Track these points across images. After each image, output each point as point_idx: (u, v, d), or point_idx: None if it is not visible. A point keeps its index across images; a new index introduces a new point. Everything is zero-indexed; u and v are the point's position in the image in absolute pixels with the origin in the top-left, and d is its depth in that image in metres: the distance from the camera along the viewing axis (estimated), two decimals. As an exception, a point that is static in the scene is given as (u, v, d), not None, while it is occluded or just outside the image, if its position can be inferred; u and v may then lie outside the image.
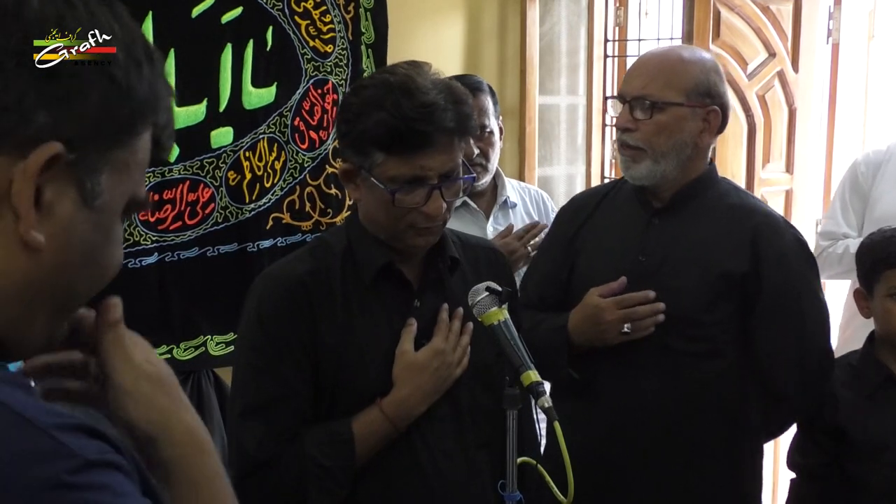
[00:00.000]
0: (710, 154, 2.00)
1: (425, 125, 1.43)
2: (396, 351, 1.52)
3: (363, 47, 2.94)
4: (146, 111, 0.77)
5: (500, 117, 2.58)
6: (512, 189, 2.62)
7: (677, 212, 1.95)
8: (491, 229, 2.53)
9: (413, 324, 1.54)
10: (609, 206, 2.05)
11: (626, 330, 1.88)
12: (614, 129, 1.97)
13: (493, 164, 2.51)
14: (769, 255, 1.89)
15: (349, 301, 1.53)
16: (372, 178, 1.48)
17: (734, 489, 1.96)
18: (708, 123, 1.91)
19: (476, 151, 2.45)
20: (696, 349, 1.89)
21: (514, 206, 2.59)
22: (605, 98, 3.73)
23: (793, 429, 2.14)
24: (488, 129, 2.46)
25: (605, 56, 3.87)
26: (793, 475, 2.17)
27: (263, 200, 2.68)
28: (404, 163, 1.45)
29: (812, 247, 2.17)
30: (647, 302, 1.88)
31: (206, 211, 2.62)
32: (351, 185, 1.55)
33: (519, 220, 2.55)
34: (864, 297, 2.06)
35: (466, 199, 2.52)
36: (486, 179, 2.52)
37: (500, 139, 2.57)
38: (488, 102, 2.47)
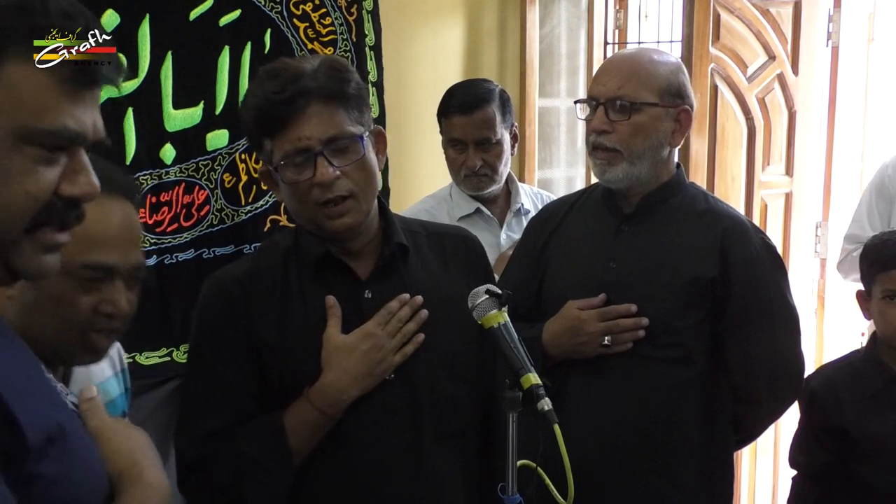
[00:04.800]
0: (677, 157, 2.00)
1: (287, 94, 1.43)
2: (323, 337, 1.49)
3: (367, 49, 2.93)
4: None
5: (515, 124, 2.54)
6: (525, 195, 2.59)
7: (646, 217, 1.94)
8: (504, 237, 2.50)
9: (334, 304, 1.50)
10: (578, 214, 2.05)
11: (605, 342, 1.87)
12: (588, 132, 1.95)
13: (502, 173, 2.48)
14: (738, 260, 1.88)
15: (290, 297, 1.51)
16: (270, 168, 1.49)
17: (706, 495, 1.95)
18: (679, 124, 1.91)
19: (479, 164, 2.42)
20: (667, 355, 1.88)
21: (528, 212, 2.56)
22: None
23: (794, 427, 2.13)
24: (493, 141, 2.43)
25: (605, 59, 3.86)
26: (793, 475, 2.16)
27: (261, 203, 2.67)
28: (284, 140, 1.45)
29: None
30: (629, 315, 1.87)
31: (202, 213, 2.61)
32: (272, 185, 1.55)
33: None
34: (864, 299, 2.07)
35: (480, 206, 2.50)
36: (494, 188, 2.49)
37: (514, 147, 2.53)
38: (494, 114, 2.43)
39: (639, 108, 1.86)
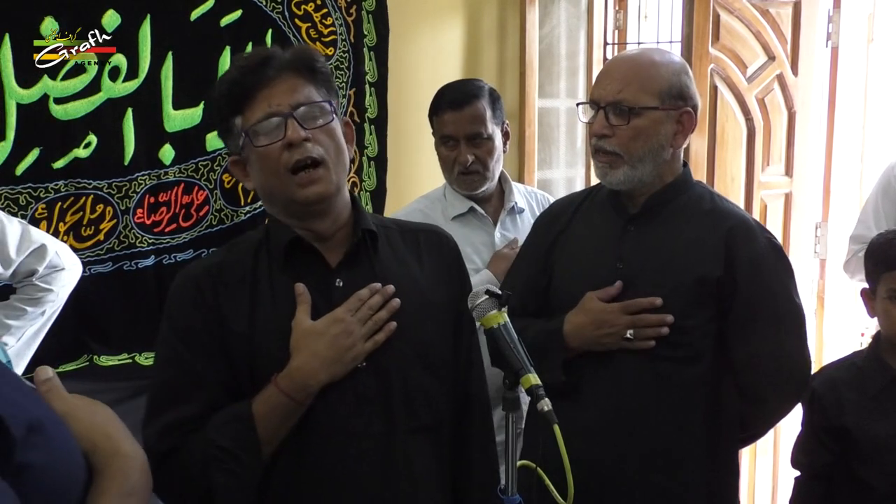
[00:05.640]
0: (682, 156, 2.00)
1: (255, 64, 1.48)
2: (292, 324, 1.48)
3: (365, 49, 2.94)
4: None
5: (506, 122, 2.54)
6: (519, 194, 2.59)
7: (652, 217, 1.94)
8: (499, 235, 2.50)
9: (303, 291, 1.49)
10: (585, 214, 2.05)
11: (628, 336, 1.86)
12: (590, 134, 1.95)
13: (494, 170, 2.48)
14: (743, 259, 1.88)
15: (259, 287, 1.50)
16: (240, 142, 1.50)
17: (712, 493, 1.94)
18: (682, 125, 1.90)
19: (471, 159, 2.42)
20: (674, 355, 1.87)
21: (522, 211, 2.56)
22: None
23: (796, 428, 2.13)
24: (484, 136, 2.43)
25: (605, 59, 3.87)
26: (794, 475, 2.16)
27: (259, 203, 2.67)
28: (254, 108, 1.48)
29: (786, 250, 2.14)
30: (653, 309, 1.87)
31: (201, 213, 2.61)
32: (243, 175, 1.55)
33: (527, 226, 2.51)
34: (869, 298, 2.07)
35: (474, 205, 2.49)
36: (488, 186, 2.49)
37: (506, 144, 2.53)
38: (484, 109, 2.43)
39: (638, 112, 1.86)
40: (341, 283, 1.52)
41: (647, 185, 1.92)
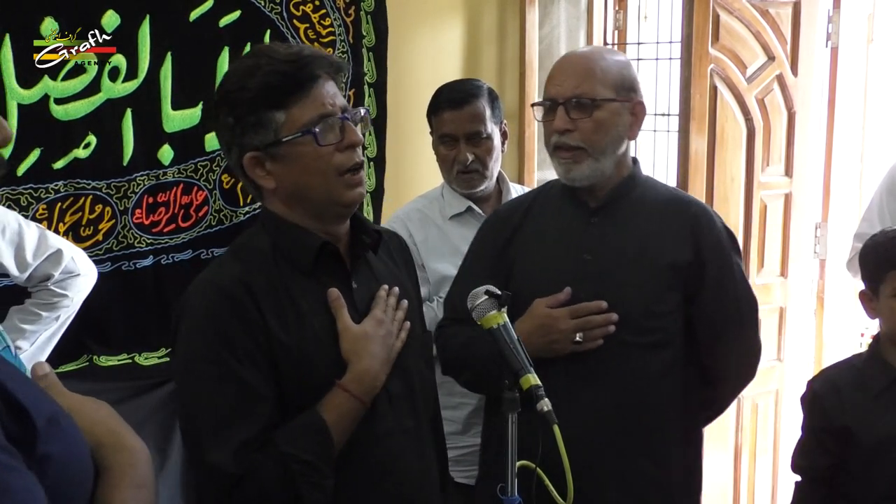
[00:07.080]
0: (633, 152, 2.07)
1: (304, 61, 1.46)
2: (339, 328, 1.49)
3: (364, 50, 2.94)
4: None
5: (504, 122, 2.54)
6: (516, 195, 2.59)
7: (614, 209, 1.99)
8: (496, 235, 2.50)
9: (339, 296, 1.50)
10: (539, 212, 2.06)
11: (578, 339, 1.89)
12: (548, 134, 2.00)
13: (493, 170, 2.48)
14: (709, 244, 1.97)
15: (291, 294, 1.48)
16: (284, 140, 1.45)
17: (683, 471, 2.01)
18: (635, 117, 1.97)
19: (470, 158, 2.42)
20: (647, 341, 1.92)
21: None
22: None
23: (797, 432, 2.14)
24: (484, 135, 2.43)
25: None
26: (795, 479, 2.16)
27: (258, 203, 2.67)
28: (306, 105, 1.45)
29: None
30: (599, 311, 1.89)
31: (200, 213, 2.62)
32: (261, 172, 1.50)
33: None
34: (869, 299, 2.07)
35: (471, 204, 2.49)
36: (487, 185, 2.49)
37: (504, 144, 2.53)
38: (483, 108, 2.44)
39: (599, 104, 1.91)
40: (356, 285, 1.55)
41: (607, 179, 1.97)
